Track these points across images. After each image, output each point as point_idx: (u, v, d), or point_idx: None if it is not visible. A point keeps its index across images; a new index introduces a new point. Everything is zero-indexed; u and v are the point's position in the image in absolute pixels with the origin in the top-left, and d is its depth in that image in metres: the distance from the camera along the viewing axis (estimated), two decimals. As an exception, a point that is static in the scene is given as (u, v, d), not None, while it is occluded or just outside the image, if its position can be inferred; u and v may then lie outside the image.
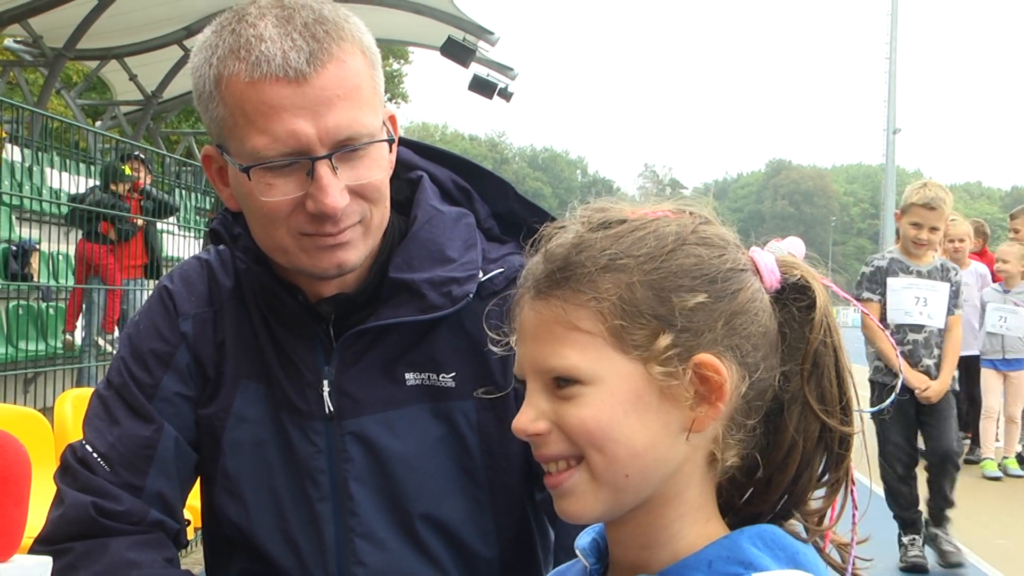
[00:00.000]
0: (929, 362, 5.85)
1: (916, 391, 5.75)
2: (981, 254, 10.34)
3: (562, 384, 1.01)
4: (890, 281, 5.96)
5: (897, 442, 5.83)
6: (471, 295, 1.63)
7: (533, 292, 1.05)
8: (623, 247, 1.02)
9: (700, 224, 1.06)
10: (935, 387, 5.81)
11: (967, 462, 9.59)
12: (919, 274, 5.95)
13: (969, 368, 9.38)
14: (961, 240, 9.29)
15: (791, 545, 1.03)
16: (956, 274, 6.09)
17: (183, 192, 14.90)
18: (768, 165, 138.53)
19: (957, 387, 6.25)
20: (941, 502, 5.96)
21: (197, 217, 14.28)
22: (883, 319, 5.86)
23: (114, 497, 1.62)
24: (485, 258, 1.69)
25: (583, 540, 1.16)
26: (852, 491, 1.09)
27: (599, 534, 1.14)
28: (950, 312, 5.94)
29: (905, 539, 5.96)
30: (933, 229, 5.92)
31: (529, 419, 1.03)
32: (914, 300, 5.92)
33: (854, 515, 1.09)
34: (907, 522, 5.94)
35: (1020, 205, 10.08)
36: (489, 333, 1.17)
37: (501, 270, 1.68)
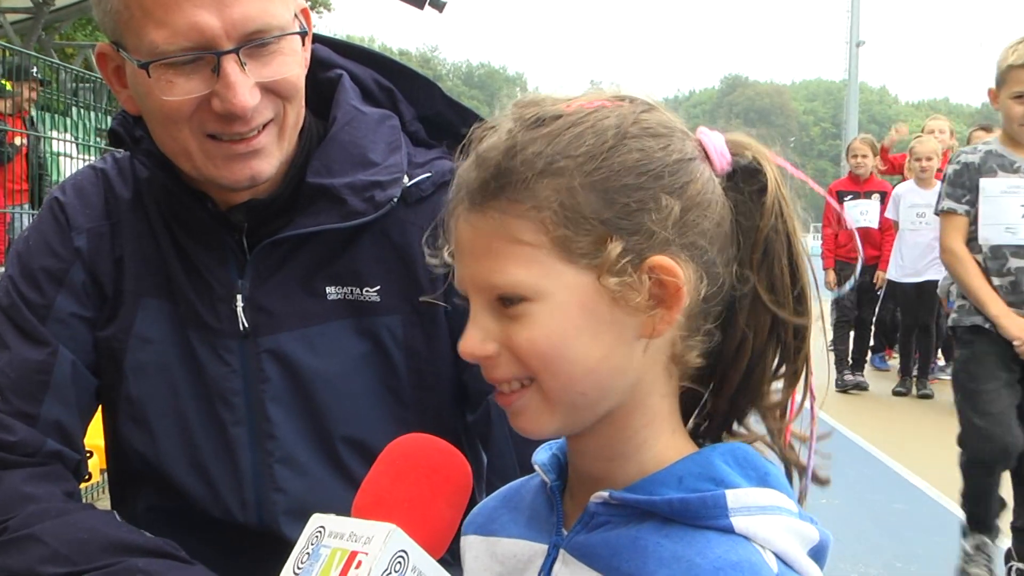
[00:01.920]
0: None
1: (1016, 344, 4.18)
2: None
3: (507, 303, 1.01)
4: (984, 184, 4.31)
5: (990, 412, 4.18)
6: (395, 200, 1.63)
7: (467, 204, 1.03)
8: (560, 147, 1.00)
9: (642, 112, 1.05)
10: None
11: (921, 396, 9.90)
12: None
13: (923, 294, 9.56)
14: (929, 159, 9.30)
15: (762, 465, 1.05)
16: None
17: (80, 111, 14.50)
18: (723, 81, 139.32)
19: None
20: None
21: (97, 139, 13.93)
22: (973, 240, 4.34)
23: (6, 427, 1.60)
24: (411, 162, 1.68)
25: (542, 455, 1.16)
26: (811, 383, 1.10)
27: (559, 449, 1.15)
28: None
29: (968, 544, 4.43)
30: None
31: (476, 340, 1.03)
32: (1021, 210, 4.26)
33: (812, 408, 1.11)
34: (978, 520, 4.37)
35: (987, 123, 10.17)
36: (424, 249, 1.15)
37: (428, 175, 1.67)
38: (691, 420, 1.12)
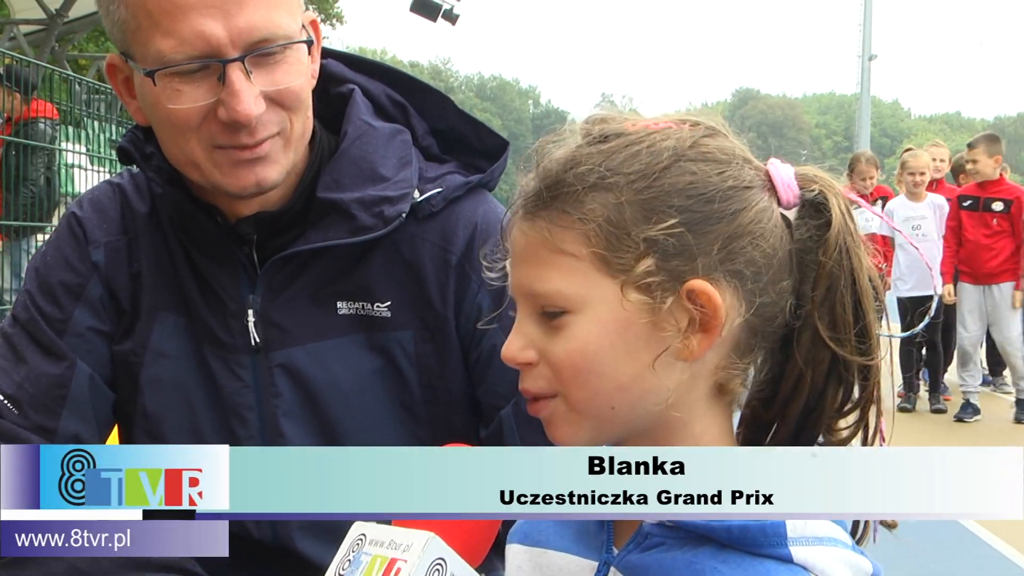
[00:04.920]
0: None
1: None
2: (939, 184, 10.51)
3: (552, 316, 1.03)
4: None
5: None
6: (404, 215, 1.63)
7: (522, 211, 1.06)
8: (614, 164, 1.02)
9: (702, 137, 1.06)
10: None
11: (935, 411, 9.87)
12: None
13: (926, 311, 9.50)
14: (922, 173, 9.56)
15: None
16: None
17: (94, 123, 14.56)
18: (734, 95, 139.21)
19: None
20: None
21: (110, 151, 13.96)
22: None
23: (24, 442, 1.60)
24: (422, 177, 1.69)
25: None
26: (880, 424, 1.08)
27: None
28: None
29: None
30: None
31: (518, 347, 1.05)
32: None
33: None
34: None
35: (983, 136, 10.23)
36: (483, 263, 1.18)
37: (439, 190, 1.68)
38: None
